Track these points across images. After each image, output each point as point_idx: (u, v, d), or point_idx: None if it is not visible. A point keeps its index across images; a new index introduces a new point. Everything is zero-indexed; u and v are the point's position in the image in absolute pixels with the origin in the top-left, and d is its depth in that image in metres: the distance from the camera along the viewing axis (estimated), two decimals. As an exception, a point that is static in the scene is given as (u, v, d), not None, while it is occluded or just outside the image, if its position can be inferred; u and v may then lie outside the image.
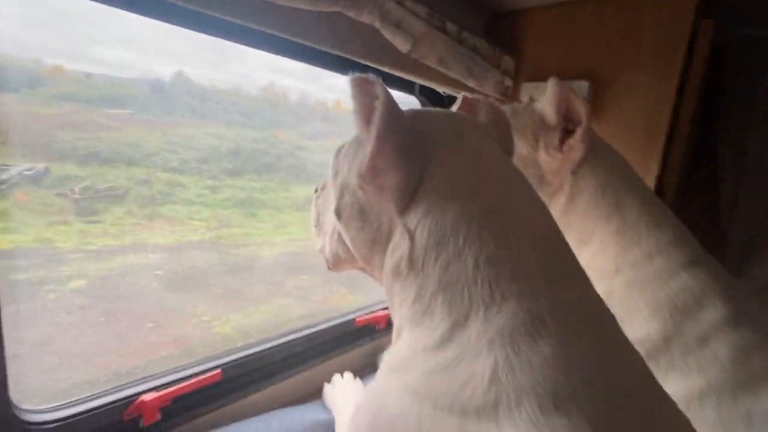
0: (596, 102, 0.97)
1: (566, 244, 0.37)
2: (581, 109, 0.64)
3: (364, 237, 0.42)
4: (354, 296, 1.43)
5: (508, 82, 1.06)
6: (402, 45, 0.75)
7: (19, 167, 0.84)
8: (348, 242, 0.46)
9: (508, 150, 0.50)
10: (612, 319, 0.33)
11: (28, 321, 0.52)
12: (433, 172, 0.37)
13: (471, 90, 0.99)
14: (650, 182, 0.92)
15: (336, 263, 0.55)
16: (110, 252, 1.01)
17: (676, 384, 0.52)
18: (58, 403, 0.61)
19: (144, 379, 0.69)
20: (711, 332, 0.52)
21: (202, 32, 0.68)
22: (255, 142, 1.37)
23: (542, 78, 0.81)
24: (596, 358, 0.29)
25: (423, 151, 0.38)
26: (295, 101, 1.40)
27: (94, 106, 1.01)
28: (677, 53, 0.88)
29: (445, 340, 0.32)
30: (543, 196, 0.67)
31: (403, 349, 0.36)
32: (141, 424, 0.66)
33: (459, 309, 0.32)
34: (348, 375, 0.88)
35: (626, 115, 0.95)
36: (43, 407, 0.60)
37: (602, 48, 0.97)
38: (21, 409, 0.57)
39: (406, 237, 0.36)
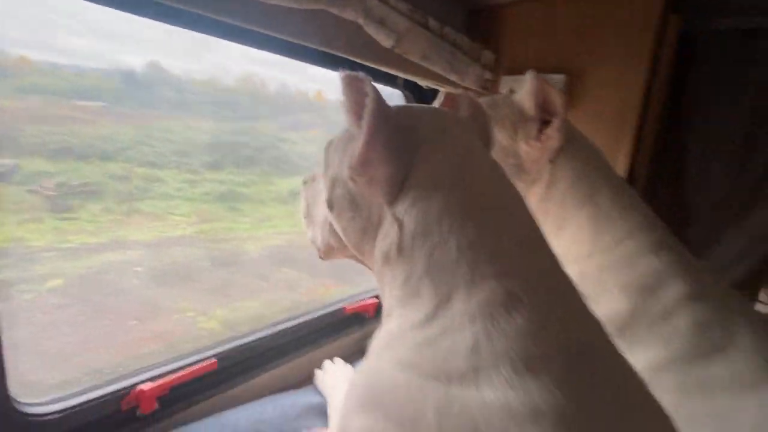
0: (572, 94, 1.02)
1: (539, 230, 0.40)
2: (558, 101, 0.67)
3: (356, 226, 0.45)
4: (340, 288, 1.44)
5: (488, 75, 1.09)
6: (385, 41, 0.78)
7: (-15, 164, 0.81)
8: (339, 232, 0.49)
9: (488, 142, 0.53)
10: (577, 293, 0.37)
11: (3, 322, 0.52)
12: (419, 165, 0.40)
13: (453, 83, 1.01)
14: (622, 170, 0.97)
15: (328, 252, 0.58)
16: (87, 250, 1.00)
17: (643, 355, 0.57)
18: (57, 395, 0.63)
19: (141, 370, 0.71)
20: (673, 308, 0.57)
21: (188, 29, 0.69)
22: (235, 134, 1.35)
23: (521, 71, 0.84)
24: (563, 327, 0.33)
25: (410, 146, 0.41)
26: (274, 91, 1.38)
27: (63, 99, 0.98)
28: (646, 47, 0.93)
29: (431, 317, 0.35)
30: (522, 184, 0.71)
31: (392, 328, 0.39)
32: (139, 413, 0.68)
33: (443, 289, 0.35)
34: (339, 361, 0.92)
35: (600, 106, 0.99)
36: (42, 399, 0.61)
37: (577, 42, 1.01)
38: (19, 402, 0.59)
39: (395, 226, 0.39)
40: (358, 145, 0.39)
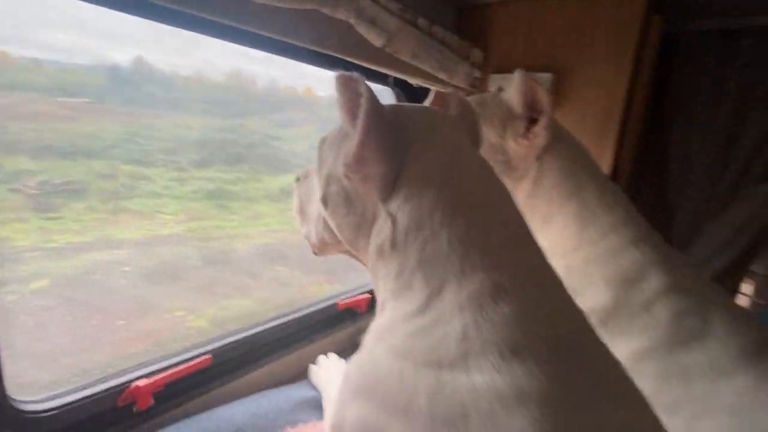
0: (558, 93, 1.04)
1: (526, 225, 0.42)
2: (545, 99, 0.68)
3: (350, 222, 0.46)
4: (332, 285, 1.44)
5: (477, 73, 1.11)
6: (376, 40, 0.79)
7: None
8: (334, 228, 0.50)
9: (476, 140, 0.54)
10: (561, 284, 0.39)
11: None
12: (411, 163, 0.41)
13: (442, 82, 1.03)
14: (606, 167, 1.00)
15: (322, 248, 0.59)
16: (73, 249, 0.97)
17: (625, 345, 0.59)
18: (54, 392, 0.63)
19: (137, 367, 0.71)
20: (653, 299, 0.60)
21: (180, 27, 0.69)
22: (223, 132, 1.33)
23: (509, 70, 0.86)
24: (547, 316, 0.35)
25: (402, 145, 0.42)
26: (263, 88, 1.36)
27: (45, 95, 0.94)
28: (630, 47, 0.95)
29: (423, 308, 0.36)
30: (510, 181, 0.73)
31: (386, 319, 0.41)
32: (135, 409, 0.68)
33: (435, 281, 0.37)
34: (333, 355, 0.93)
35: (585, 105, 1.02)
36: (39, 397, 0.62)
37: (564, 42, 1.03)
38: (16, 400, 0.59)
39: (389, 221, 0.41)
40: (353, 144, 0.40)
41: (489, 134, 0.72)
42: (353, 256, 0.54)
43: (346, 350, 0.99)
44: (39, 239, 0.92)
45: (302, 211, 0.64)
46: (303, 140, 1.58)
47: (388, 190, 0.41)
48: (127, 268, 1.08)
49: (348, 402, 0.39)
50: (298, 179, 0.67)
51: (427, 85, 1.07)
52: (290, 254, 1.48)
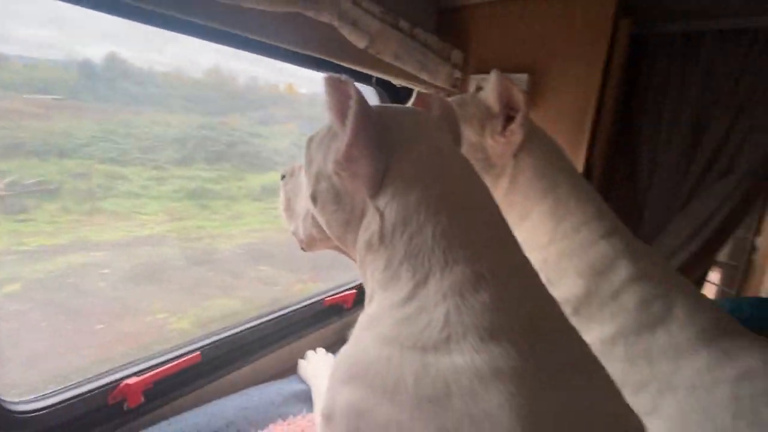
0: (534, 93, 1.08)
1: (503, 220, 0.45)
2: (520, 98, 0.72)
3: (339, 218, 0.48)
4: (316, 284, 1.44)
5: (458, 74, 1.14)
6: (359, 42, 0.81)
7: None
8: (323, 224, 0.52)
9: (457, 140, 0.58)
10: (535, 274, 0.42)
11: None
12: (397, 162, 0.44)
13: (424, 82, 1.06)
14: (580, 165, 1.05)
15: (310, 244, 0.61)
16: (47, 252, 0.95)
17: (597, 331, 0.64)
18: (43, 392, 0.63)
19: (127, 365, 0.72)
20: (621, 288, 0.64)
21: (163, 28, 0.69)
22: (203, 129, 1.30)
23: (488, 71, 0.89)
24: (521, 303, 0.38)
25: (389, 144, 0.45)
26: (244, 84, 1.34)
27: (12, 92, 0.91)
28: (601, 49, 1.00)
29: (409, 297, 0.39)
30: (489, 178, 0.76)
31: (374, 309, 0.43)
32: (125, 407, 0.69)
33: (420, 272, 0.39)
34: (321, 350, 0.95)
35: (560, 105, 1.06)
36: (29, 397, 0.62)
37: (539, 44, 1.07)
38: (6, 401, 0.59)
39: (377, 217, 0.43)
40: (343, 143, 0.43)
41: (469, 134, 0.75)
42: (341, 251, 0.56)
43: (334, 345, 1.01)
44: (10, 242, 0.89)
45: (289, 208, 0.66)
46: (285, 137, 1.57)
47: (376, 187, 0.44)
48: (105, 271, 1.06)
49: (338, 388, 0.42)
50: (284, 176, 0.68)
51: (409, 85, 1.10)
52: (274, 253, 1.48)
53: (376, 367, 0.38)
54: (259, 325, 0.92)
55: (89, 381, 0.68)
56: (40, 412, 0.61)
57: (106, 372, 0.70)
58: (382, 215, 0.43)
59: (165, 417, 0.71)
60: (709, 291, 2.33)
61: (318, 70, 0.95)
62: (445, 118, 0.56)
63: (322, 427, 0.42)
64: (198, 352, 0.79)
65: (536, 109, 1.08)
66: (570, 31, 1.03)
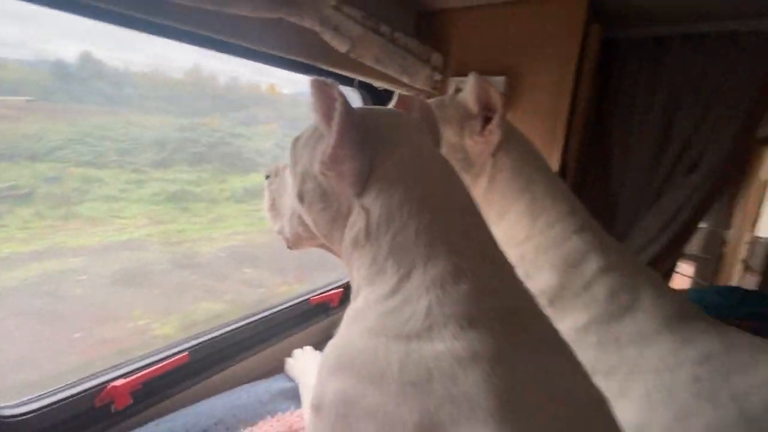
0: (511, 94, 1.12)
1: (481, 217, 0.48)
2: (497, 99, 0.75)
3: (326, 217, 0.50)
4: (301, 285, 1.44)
5: (438, 76, 1.17)
6: (341, 47, 0.83)
7: None
8: (309, 222, 0.54)
9: (437, 141, 0.60)
10: (511, 267, 0.45)
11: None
12: (381, 162, 0.46)
13: (405, 85, 1.09)
14: (555, 165, 1.10)
15: (296, 242, 0.63)
16: (20, 259, 0.92)
17: (571, 321, 0.68)
18: (30, 396, 0.63)
19: (114, 367, 0.72)
20: (592, 279, 0.68)
21: (147, 33, 0.70)
22: (183, 130, 1.28)
23: (467, 74, 0.93)
24: (498, 294, 0.41)
25: (373, 145, 0.47)
26: (224, 85, 1.32)
27: None
28: (573, 53, 1.05)
29: (394, 290, 0.42)
30: (468, 178, 0.79)
31: (360, 304, 0.45)
32: (113, 408, 0.70)
33: (404, 267, 0.42)
34: (308, 348, 0.97)
35: (535, 106, 1.11)
36: (15, 402, 0.62)
37: (515, 48, 1.11)
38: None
39: (363, 214, 0.46)
40: (329, 144, 0.45)
41: (448, 134, 0.78)
42: (327, 249, 0.58)
43: (321, 343, 1.01)
44: (-21, 250, 0.86)
45: (274, 207, 0.68)
46: (267, 138, 1.56)
47: (362, 187, 0.46)
48: (83, 277, 1.03)
49: (327, 379, 0.44)
50: (268, 176, 0.70)
51: (390, 88, 1.12)
52: (258, 255, 1.48)
53: (363, 357, 0.40)
54: (247, 324, 0.93)
55: (76, 384, 0.68)
56: (26, 416, 0.61)
57: (93, 374, 0.70)
58: (367, 213, 0.45)
59: (153, 418, 0.72)
60: (685, 283, 2.44)
61: (301, 73, 0.96)
62: (425, 120, 0.59)
63: (311, 418, 0.44)
64: (186, 353, 0.80)
65: (513, 111, 1.12)
66: (544, 36, 1.07)
